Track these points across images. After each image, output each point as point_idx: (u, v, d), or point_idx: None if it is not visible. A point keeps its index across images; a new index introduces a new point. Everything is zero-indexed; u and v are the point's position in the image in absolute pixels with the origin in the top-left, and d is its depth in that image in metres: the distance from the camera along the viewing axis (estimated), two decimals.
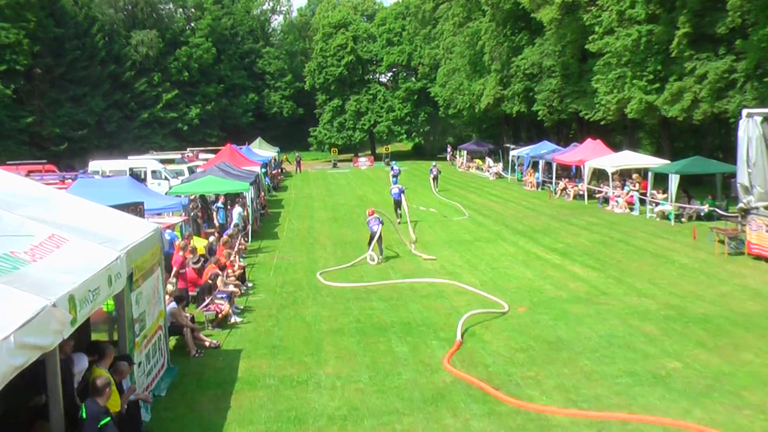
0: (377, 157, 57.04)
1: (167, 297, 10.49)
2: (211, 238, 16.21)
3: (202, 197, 23.17)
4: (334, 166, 54.23)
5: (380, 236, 16.94)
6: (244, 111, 68.99)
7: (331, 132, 61.95)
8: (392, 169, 35.42)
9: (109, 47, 58.01)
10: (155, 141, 59.07)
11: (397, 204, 22.68)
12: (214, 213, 20.55)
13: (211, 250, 15.21)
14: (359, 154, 63.97)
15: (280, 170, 46.36)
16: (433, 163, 38.37)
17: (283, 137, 71.77)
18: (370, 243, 16.93)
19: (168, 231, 15.57)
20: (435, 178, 33.65)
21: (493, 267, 15.78)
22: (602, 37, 28.18)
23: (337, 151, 57.08)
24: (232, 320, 12.03)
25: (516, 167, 37.36)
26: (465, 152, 47.01)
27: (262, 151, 44.19)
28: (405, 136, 62.30)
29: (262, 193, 28.73)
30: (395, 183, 29.76)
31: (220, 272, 13.16)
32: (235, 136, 59.12)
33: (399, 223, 21.34)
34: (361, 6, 73.84)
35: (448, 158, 53.25)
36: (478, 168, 44.48)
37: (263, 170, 33.42)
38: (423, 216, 24.96)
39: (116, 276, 6.57)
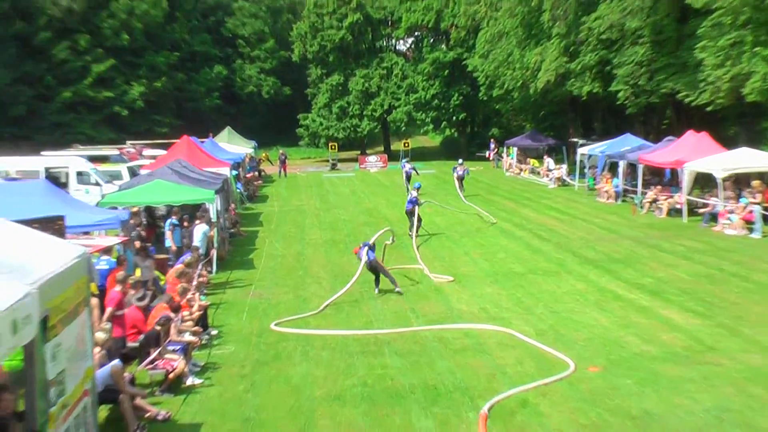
0: (393, 156, 57.47)
1: (97, 350, 10.61)
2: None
3: (149, 210, 23.31)
4: (333, 167, 54.49)
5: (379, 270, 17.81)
6: (208, 90, 69.96)
7: (329, 121, 62.36)
8: (402, 167, 36.15)
9: None
10: (82, 131, 59.49)
11: (409, 214, 24.71)
12: (169, 233, 20.75)
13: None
14: (368, 152, 64.22)
15: (257, 173, 46.62)
16: (459, 160, 38.98)
17: (263, 127, 72.56)
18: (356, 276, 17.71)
19: (101, 257, 15.83)
20: (461, 179, 34.88)
21: (554, 310, 15.90)
22: None
23: (337, 147, 57.38)
24: (189, 382, 12.12)
25: (586, 171, 37.48)
26: (515, 150, 47.21)
27: (232, 146, 44.65)
28: (431, 126, 62.66)
29: (233, 205, 28.87)
30: (409, 186, 30.91)
31: (173, 315, 13.28)
32: (195, 124, 59.65)
33: (413, 236, 23.29)
34: None
35: (490, 157, 53.32)
36: (533, 171, 44.57)
37: (234, 173, 33.73)
38: (454, 232, 25.53)
39: (24, 320, 6.54)
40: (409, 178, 36.80)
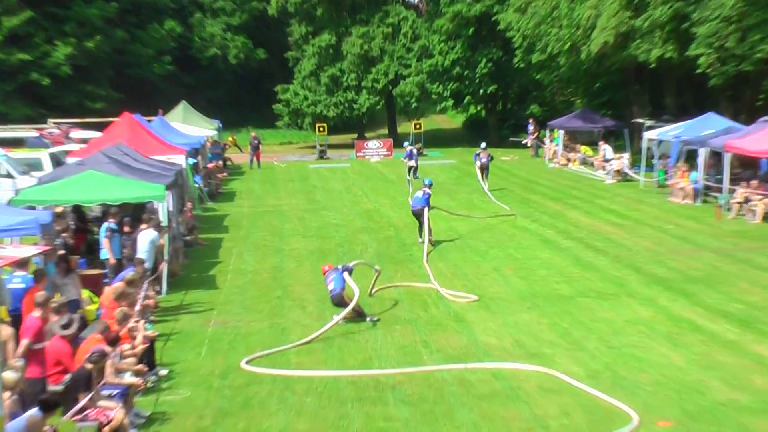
0: (400, 141, 56.44)
1: (7, 395, 10.55)
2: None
3: (79, 211, 23.32)
4: (322, 155, 54.55)
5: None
6: (157, 52, 69.91)
7: (317, 94, 62.37)
8: (408, 155, 36.84)
9: None
10: None
11: (417, 215, 25.53)
12: (105, 241, 20.54)
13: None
14: (367, 136, 64.26)
15: (222, 163, 46.54)
16: (482, 143, 39.39)
17: (229, 102, 72.37)
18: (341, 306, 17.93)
19: (14, 273, 15.81)
20: (484, 168, 35.94)
21: (612, 344, 15.92)
22: None
23: (327, 129, 57.21)
24: None
25: (655, 161, 37.43)
26: (561, 133, 47.18)
27: (189, 126, 44.52)
28: (451, 102, 62.08)
29: (189, 205, 28.73)
30: (413, 178, 31.29)
31: (108, 349, 13.26)
32: (139, 98, 59.74)
33: (423, 242, 24.16)
34: None
35: (528, 143, 53.40)
36: (584, 162, 44.55)
37: (192, 162, 33.67)
38: (480, 241, 25.62)
39: None
40: (414, 170, 36.87)
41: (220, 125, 53.95)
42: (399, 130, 65.58)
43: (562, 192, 36.42)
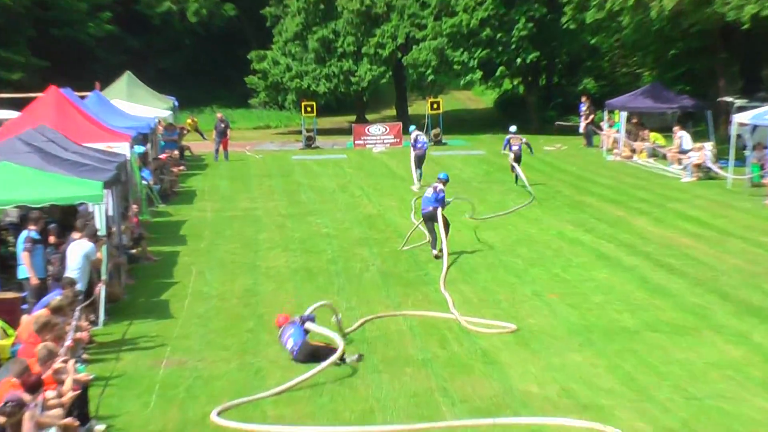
0: (409, 125, 56.65)
1: None
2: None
3: None
4: (309, 144, 55.13)
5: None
6: (93, 8, 69.85)
7: (303, 63, 62.94)
8: (415, 143, 37.42)
9: None
10: None
11: (428, 220, 26.29)
12: (25, 254, 20.35)
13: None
14: (369, 118, 64.13)
15: (179, 152, 46.85)
16: (512, 127, 40.61)
17: (188, 74, 72.77)
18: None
19: None
20: (518, 158, 37.31)
21: (690, 394, 15.74)
22: None
23: (316, 109, 57.59)
24: None
25: (748, 152, 37.52)
26: (623, 116, 47.25)
27: (135, 105, 44.74)
28: (479, 74, 62.40)
29: (135, 208, 29.04)
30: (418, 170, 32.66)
31: (27, 397, 13.28)
32: (70, 67, 60.41)
33: (442, 256, 24.57)
34: None
35: (581, 129, 53.64)
36: (654, 154, 44.87)
37: (139, 152, 34.01)
38: (516, 257, 25.85)
39: None
40: (421, 160, 37.20)
41: (176, 104, 54.36)
42: (411, 110, 65.67)
43: (624, 193, 36.64)
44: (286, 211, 34.23)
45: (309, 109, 56.03)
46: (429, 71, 61.17)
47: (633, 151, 45.58)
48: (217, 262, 26.67)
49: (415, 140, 38.76)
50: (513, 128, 39.19)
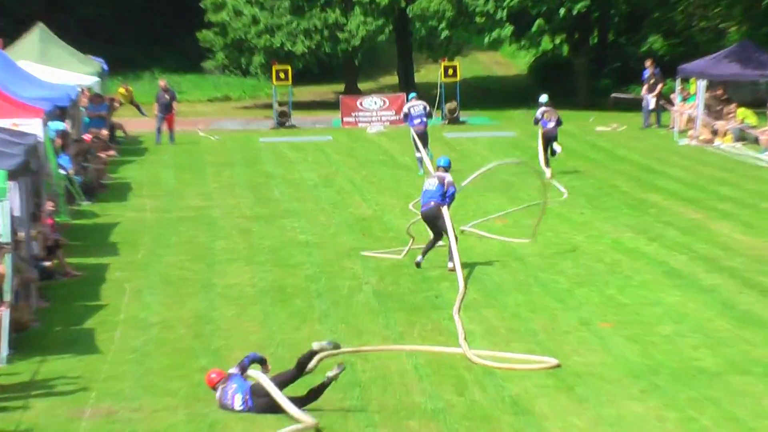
0: (416, 96, 56.76)
1: None
2: None
3: None
4: (282, 123, 55.73)
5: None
6: None
7: (274, 14, 63.16)
8: (409, 118, 40.08)
9: None
10: None
11: (430, 221, 26.59)
12: None
13: None
14: (361, 87, 64.53)
15: (108, 132, 47.03)
16: (542, 97, 41.17)
17: (120, 28, 73.24)
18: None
19: None
20: (550, 138, 37.70)
21: None
22: None
23: (292, 75, 57.50)
24: None
25: None
26: (702, 85, 47.27)
27: (50, 68, 45.62)
28: (509, 29, 62.55)
29: (50, 206, 28.81)
30: (421, 155, 35.42)
31: None
32: None
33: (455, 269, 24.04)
34: None
35: (651, 104, 53.86)
36: (742, 137, 45.03)
37: (56, 131, 34.25)
38: (556, 273, 26.01)
39: None
40: (423, 140, 37.62)
41: (105, 67, 54.12)
42: (417, 78, 66.00)
43: (702, 189, 36.61)
44: (252, 212, 33.97)
45: (282, 75, 56.14)
46: (442, 25, 61.25)
47: (714, 133, 45.42)
48: (159, 278, 25.95)
49: (409, 113, 38.43)
50: (544, 98, 38.73)
